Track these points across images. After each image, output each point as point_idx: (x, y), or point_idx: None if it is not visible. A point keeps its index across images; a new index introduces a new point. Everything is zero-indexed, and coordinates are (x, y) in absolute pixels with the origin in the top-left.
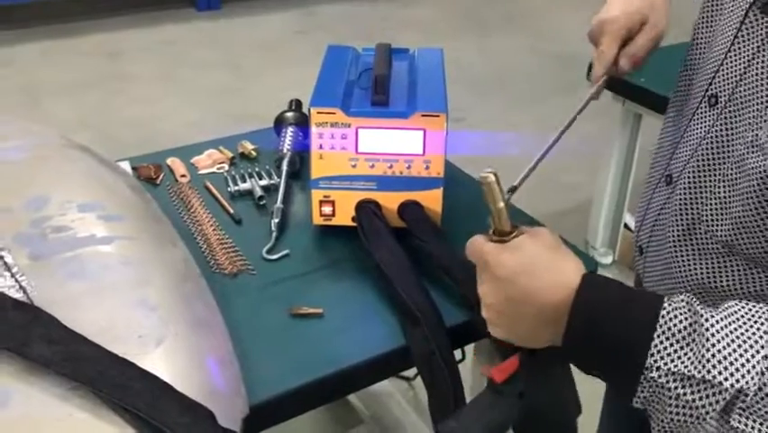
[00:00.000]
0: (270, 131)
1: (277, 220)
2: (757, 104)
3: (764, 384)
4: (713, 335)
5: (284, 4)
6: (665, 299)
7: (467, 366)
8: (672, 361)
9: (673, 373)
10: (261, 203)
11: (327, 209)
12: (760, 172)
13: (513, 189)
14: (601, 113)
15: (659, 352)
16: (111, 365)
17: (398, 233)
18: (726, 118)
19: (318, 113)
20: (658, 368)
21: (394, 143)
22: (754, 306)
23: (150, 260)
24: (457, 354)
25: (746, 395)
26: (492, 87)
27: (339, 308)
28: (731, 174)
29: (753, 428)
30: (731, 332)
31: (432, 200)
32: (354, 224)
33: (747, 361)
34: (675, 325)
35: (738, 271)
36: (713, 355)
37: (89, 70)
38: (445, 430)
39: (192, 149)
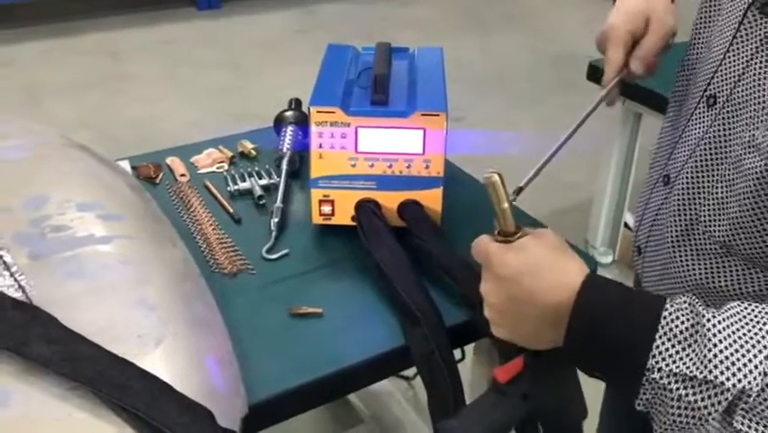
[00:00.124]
0: (270, 130)
1: (276, 219)
2: (755, 104)
3: (767, 385)
4: (714, 335)
5: (284, 3)
6: (667, 301)
7: (466, 366)
8: (674, 362)
9: (675, 374)
10: (261, 202)
11: (327, 209)
12: (757, 173)
13: (518, 191)
14: (601, 112)
15: (660, 353)
16: (110, 365)
17: (398, 232)
18: (723, 119)
19: (318, 112)
20: (660, 369)
21: (394, 143)
22: (756, 306)
23: (150, 259)
24: (457, 353)
25: (749, 396)
26: (492, 87)
27: (338, 308)
28: (728, 175)
29: (755, 429)
30: (733, 333)
31: (431, 200)
32: (354, 223)
33: (749, 361)
34: (677, 326)
35: (736, 271)
36: (714, 356)
37: (89, 70)
38: (446, 430)
39: (191, 148)
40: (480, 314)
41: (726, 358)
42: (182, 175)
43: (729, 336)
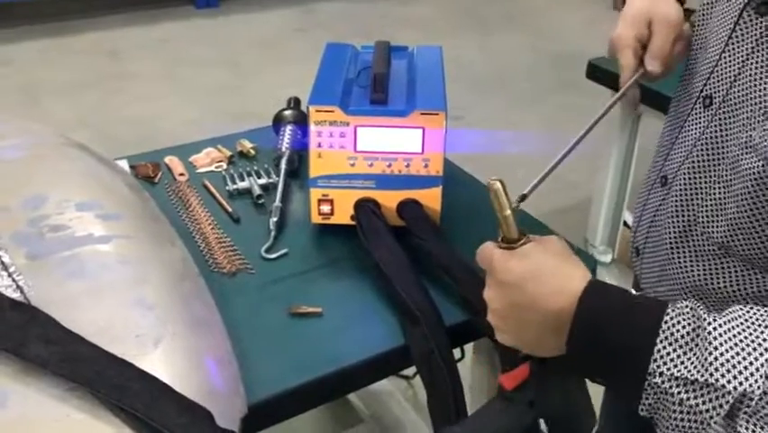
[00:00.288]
0: (269, 129)
1: (275, 219)
2: (751, 105)
3: None
4: (715, 338)
5: (283, 1)
6: (669, 306)
7: (466, 365)
8: (676, 366)
9: (677, 378)
10: (260, 202)
11: (326, 208)
12: (754, 173)
13: (523, 198)
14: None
15: (662, 357)
16: (109, 366)
17: (397, 231)
18: (720, 119)
19: (317, 111)
20: (661, 373)
21: (393, 142)
22: (758, 310)
23: (148, 259)
24: (456, 353)
25: (751, 399)
26: (492, 86)
27: (338, 308)
28: (726, 175)
29: None
30: (734, 336)
31: (431, 199)
32: (353, 222)
33: (751, 364)
34: (678, 330)
35: (735, 272)
36: (716, 359)
37: (88, 69)
38: None
39: (190, 147)
40: (484, 319)
41: (728, 361)
42: (181, 174)
43: (730, 339)
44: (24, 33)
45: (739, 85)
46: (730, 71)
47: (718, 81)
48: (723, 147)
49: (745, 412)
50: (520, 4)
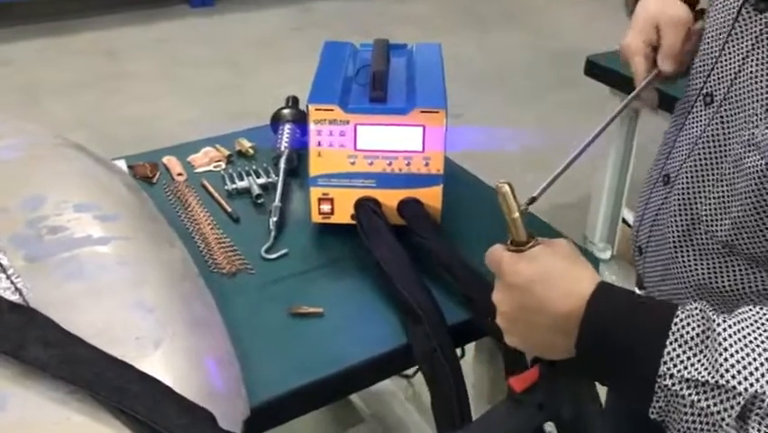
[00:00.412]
0: (267, 128)
1: (275, 219)
2: (753, 102)
3: None
4: (725, 339)
5: (279, 0)
6: (678, 307)
7: (467, 363)
8: (686, 368)
9: (687, 380)
10: (259, 201)
11: (326, 207)
12: (757, 171)
13: (532, 201)
14: (599, 109)
15: (672, 359)
16: (109, 368)
17: (398, 230)
18: (721, 117)
19: (316, 110)
20: (671, 375)
21: (393, 140)
22: (767, 311)
23: (148, 260)
24: (456, 351)
25: (763, 400)
26: (490, 84)
27: (339, 307)
28: (729, 173)
29: None
30: (744, 337)
31: (432, 197)
32: (353, 222)
33: (761, 365)
34: (688, 332)
35: (739, 270)
36: (726, 360)
37: (85, 69)
38: None
39: (188, 147)
40: (492, 322)
41: (738, 362)
42: (179, 174)
43: (740, 340)
44: (22, 33)
45: (740, 82)
46: (731, 69)
47: (719, 79)
48: (725, 145)
49: (757, 414)
50: (518, 1)
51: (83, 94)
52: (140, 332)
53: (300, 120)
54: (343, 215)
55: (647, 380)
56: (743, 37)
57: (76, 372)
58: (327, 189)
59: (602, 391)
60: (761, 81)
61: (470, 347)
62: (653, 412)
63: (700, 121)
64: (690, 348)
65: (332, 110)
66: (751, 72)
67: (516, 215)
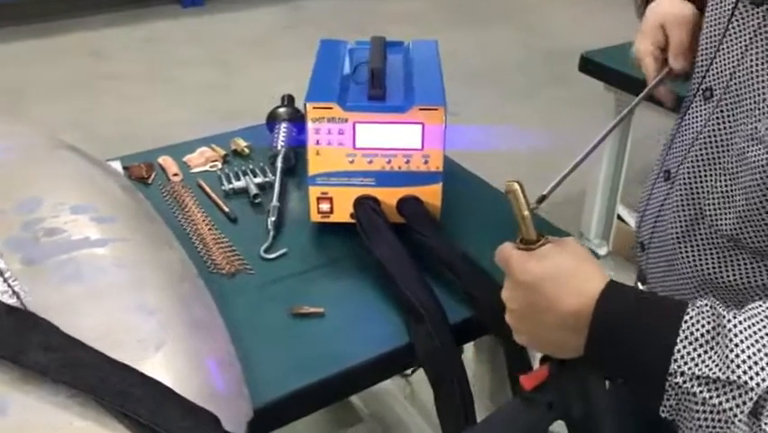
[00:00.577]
0: (262, 127)
1: (273, 218)
2: (754, 96)
3: None
4: (736, 336)
5: None
6: (689, 305)
7: (467, 361)
8: (696, 365)
9: (698, 377)
10: (257, 201)
11: (325, 206)
12: (762, 165)
13: (541, 199)
14: (594, 104)
15: (683, 357)
16: (111, 371)
17: (397, 229)
18: (722, 111)
19: (314, 108)
20: (682, 373)
21: (392, 138)
22: None
23: (146, 261)
24: None
25: None
26: (485, 81)
27: (340, 307)
28: (732, 167)
29: None
30: (755, 332)
31: (431, 195)
32: (353, 220)
33: None
34: (698, 329)
35: (744, 264)
36: (737, 356)
37: (74, 69)
38: None
39: (184, 147)
40: (503, 320)
41: (749, 358)
42: (175, 175)
43: (751, 335)
44: (9, 34)
45: (740, 76)
46: (729, 63)
47: (718, 73)
48: (727, 139)
49: None
50: None
51: (72, 95)
52: (141, 335)
53: (296, 119)
54: (343, 214)
55: (658, 378)
56: (740, 31)
57: (78, 376)
58: (326, 188)
59: None
60: (761, 75)
61: (469, 345)
62: (663, 411)
63: (701, 116)
64: (701, 345)
65: (330, 108)
66: (750, 66)
67: (527, 213)
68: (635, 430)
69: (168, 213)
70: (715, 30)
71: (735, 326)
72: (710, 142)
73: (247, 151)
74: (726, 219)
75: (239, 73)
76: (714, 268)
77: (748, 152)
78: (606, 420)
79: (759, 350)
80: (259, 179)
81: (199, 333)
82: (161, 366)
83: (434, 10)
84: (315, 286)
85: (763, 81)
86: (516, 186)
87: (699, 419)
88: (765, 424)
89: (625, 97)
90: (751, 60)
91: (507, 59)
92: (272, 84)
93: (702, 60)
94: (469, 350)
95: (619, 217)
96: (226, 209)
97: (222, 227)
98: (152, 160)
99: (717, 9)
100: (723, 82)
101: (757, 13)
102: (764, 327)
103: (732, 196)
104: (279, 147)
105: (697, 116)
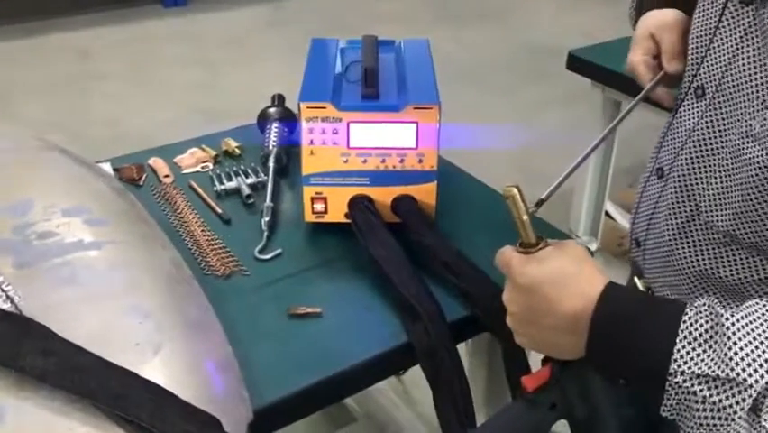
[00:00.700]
0: (253, 127)
1: (267, 219)
2: (747, 94)
3: None
4: (734, 333)
5: None
6: (687, 305)
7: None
8: (696, 364)
9: (698, 376)
10: (250, 202)
11: (319, 206)
12: (757, 162)
13: (540, 203)
14: (581, 100)
15: (682, 356)
16: (110, 376)
17: (392, 228)
18: (715, 109)
19: (308, 108)
20: (682, 372)
21: (386, 137)
22: None
23: (140, 264)
24: None
25: None
26: (469, 79)
27: (337, 307)
28: (727, 164)
29: None
30: (752, 330)
31: (426, 194)
32: (347, 220)
33: None
34: (696, 329)
35: (741, 259)
36: (735, 354)
37: (59, 70)
38: None
39: (174, 148)
40: (504, 322)
41: (747, 355)
42: (166, 176)
43: (749, 333)
44: None
45: (732, 75)
46: (721, 61)
47: (710, 72)
48: (721, 137)
49: None
50: None
51: (56, 95)
52: (138, 338)
53: (287, 118)
54: (337, 213)
55: (659, 378)
56: (731, 30)
57: (77, 380)
58: (320, 188)
59: None
60: (753, 74)
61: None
62: (665, 410)
63: (693, 113)
64: (700, 344)
65: (324, 108)
66: (742, 65)
67: (526, 217)
68: (637, 430)
69: (160, 215)
70: (705, 29)
71: (732, 324)
72: (704, 139)
73: (238, 151)
74: (722, 215)
75: (224, 72)
76: (710, 263)
77: (743, 149)
78: (608, 420)
79: (757, 347)
80: (251, 180)
81: (196, 335)
82: (160, 369)
83: (417, 8)
84: (311, 286)
85: (755, 79)
86: (515, 191)
87: (699, 418)
88: (765, 420)
89: (612, 94)
90: (743, 59)
91: (490, 57)
92: (258, 83)
93: (693, 59)
94: (464, 349)
95: (607, 214)
96: (219, 210)
97: (215, 228)
98: (143, 161)
99: (706, 8)
100: (715, 80)
101: (747, 12)
102: (762, 324)
103: (728, 192)
104: (271, 147)
105: (689, 114)
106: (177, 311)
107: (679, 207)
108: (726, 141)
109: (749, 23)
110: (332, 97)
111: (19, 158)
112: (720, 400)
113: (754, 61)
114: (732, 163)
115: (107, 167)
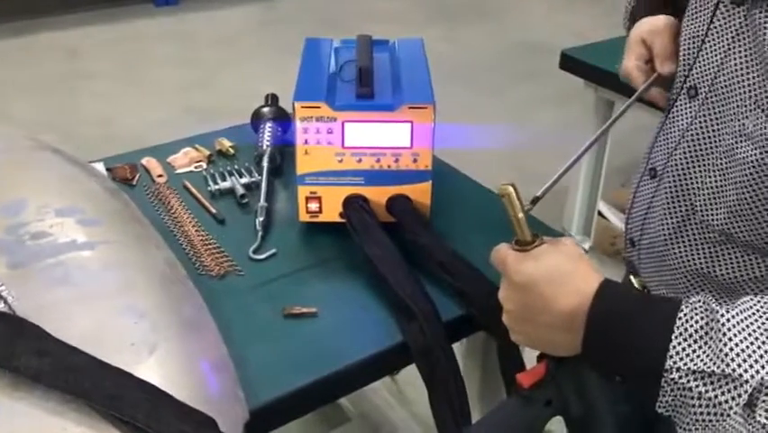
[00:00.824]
0: (246, 127)
1: (261, 219)
2: (739, 93)
3: None
4: (729, 330)
5: None
6: (683, 302)
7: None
8: (692, 360)
9: (693, 372)
10: (244, 201)
11: (314, 206)
12: (751, 162)
13: (535, 201)
14: (574, 100)
15: (678, 353)
16: (105, 376)
17: (387, 227)
18: (708, 109)
19: (303, 107)
20: (678, 369)
21: (381, 137)
22: None
23: (135, 263)
24: None
25: None
26: (463, 79)
27: (333, 307)
28: (721, 164)
29: None
30: (747, 326)
31: (421, 194)
32: (342, 220)
33: (766, 352)
34: (692, 325)
35: (736, 257)
36: (731, 349)
37: (49, 70)
38: None
39: (167, 148)
40: (500, 320)
41: (743, 351)
42: (159, 176)
43: (744, 329)
44: None
45: (724, 75)
46: (713, 61)
47: (702, 72)
48: (715, 137)
49: (764, 401)
50: None
51: (46, 95)
52: (133, 338)
53: (281, 118)
54: (332, 213)
55: (654, 375)
56: (723, 30)
57: (71, 381)
58: (315, 188)
59: None
60: (746, 74)
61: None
62: (660, 406)
63: (686, 113)
64: (695, 341)
65: (319, 107)
66: (734, 65)
67: (521, 215)
68: (632, 427)
69: (153, 215)
70: (697, 29)
71: (728, 320)
72: (698, 139)
73: (232, 151)
74: (717, 215)
75: (216, 72)
76: (706, 262)
77: (737, 148)
78: (604, 417)
79: (752, 343)
80: (245, 180)
81: (191, 335)
82: (155, 370)
83: (410, 7)
84: (306, 286)
85: (747, 79)
86: (510, 189)
87: (695, 414)
88: (760, 415)
89: (605, 94)
90: (735, 59)
91: (483, 55)
92: (251, 82)
93: (685, 59)
94: (459, 350)
95: (600, 213)
96: (213, 210)
97: (209, 228)
98: (136, 161)
99: (697, 9)
100: (708, 80)
101: (738, 12)
102: (756, 320)
103: (722, 191)
104: (265, 147)
105: (682, 114)
106: (172, 311)
107: (674, 207)
108: (720, 140)
109: (740, 23)
110: (326, 97)
111: (11, 158)
112: (716, 396)
113: (746, 61)
114: (726, 163)
115: (100, 167)
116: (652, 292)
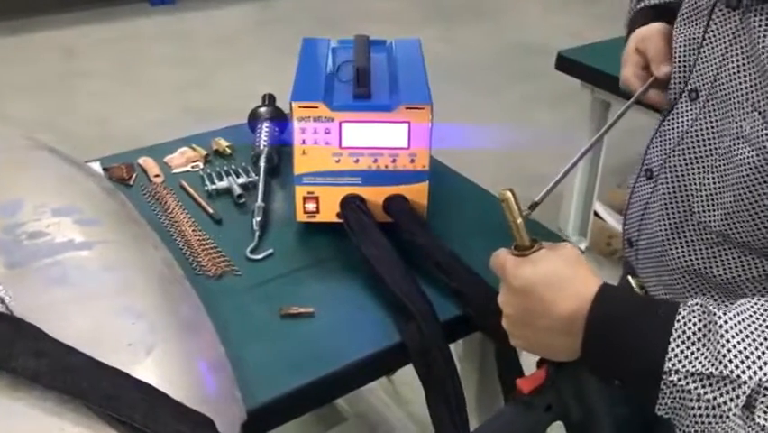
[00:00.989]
0: (243, 126)
1: (259, 219)
2: (737, 96)
3: None
4: (727, 331)
5: None
6: (681, 305)
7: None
8: (690, 362)
9: (692, 374)
10: (241, 201)
11: (311, 206)
12: (748, 163)
13: (534, 206)
14: (570, 101)
15: (676, 355)
16: (103, 376)
17: (384, 228)
18: (709, 112)
19: (300, 107)
20: (677, 371)
21: (378, 137)
22: (766, 301)
23: (132, 263)
24: None
25: (767, 389)
26: (459, 79)
27: (330, 307)
28: (719, 165)
29: None
30: (745, 328)
31: (418, 194)
32: (339, 220)
33: (763, 353)
34: (690, 327)
35: (733, 258)
36: (729, 351)
37: (45, 69)
38: None
39: (164, 147)
40: (499, 324)
41: (740, 352)
42: (156, 176)
43: (742, 331)
44: None
45: (723, 78)
46: (712, 64)
47: (702, 75)
48: (714, 139)
49: (762, 402)
50: None
51: (43, 94)
52: (131, 338)
53: (278, 118)
54: (329, 213)
55: (653, 378)
56: (719, 34)
57: (69, 381)
58: (312, 188)
59: None
60: (743, 76)
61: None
62: (660, 409)
63: (687, 116)
64: (693, 343)
65: (316, 107)
66: (732, 68)
67: (520, 220)
68: (632, 430)
69: (150, 215)
70: (693, 33)
71: (725, 322)
72: (697, 140)
73: (229, 151)
74: (714, 215)
75: (213, 72)
76: (704, 263)
77: (735, 150)
78: (604, 421)
79: (749, 345)
80: (242, 180)
81: (189, 335)
82: (153, 370)
83: (406, 7)
84: (303, 286)
85: (745, 82)
86: (509, 194)
87: (694, 416)
88: (759, 417)
89: (601, 95)
90: (732, 63)
91: (479, 56)
92: (248, 82)
93: (684, 63)
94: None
95: (596, 214)
96: (210, 210)
97: (206, 228)
98: (132, 161)
99: (692, 13)
100: (707, 83)
101: (734, 16)
102: (754, 322)
103: (720, 193)
104: (262, 146)
105: (683, 116)
106: (169, 312)
107: (671, 208)
108: (719, 142)
109: (736, 26)
110: (324, 97)
111: (8, 157)
112: (715, 398)
113: (743, 64)
114: (725, 164)
115: (97, 166)
116: (650, 292)
